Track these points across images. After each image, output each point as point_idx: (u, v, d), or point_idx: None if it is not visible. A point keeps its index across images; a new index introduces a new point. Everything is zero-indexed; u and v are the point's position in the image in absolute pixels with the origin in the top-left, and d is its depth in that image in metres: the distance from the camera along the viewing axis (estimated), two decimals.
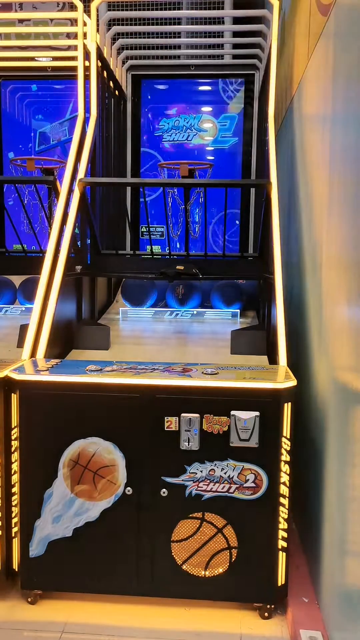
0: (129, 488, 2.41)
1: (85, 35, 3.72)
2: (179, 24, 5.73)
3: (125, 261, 3.94)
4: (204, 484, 2.37)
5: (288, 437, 2.35)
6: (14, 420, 2.47)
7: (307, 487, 2.70)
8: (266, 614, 2.45)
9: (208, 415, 2.34)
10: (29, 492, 2.45)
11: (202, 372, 2.45)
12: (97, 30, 3.80)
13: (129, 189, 5.08)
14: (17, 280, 4.03)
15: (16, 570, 2.54)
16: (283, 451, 2.35)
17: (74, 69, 3.78)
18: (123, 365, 2.57)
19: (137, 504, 2.41)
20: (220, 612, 2.48)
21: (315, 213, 2.78)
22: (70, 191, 3.42)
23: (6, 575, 2.54)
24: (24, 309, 3.82)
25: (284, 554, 2.39)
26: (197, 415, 2.34)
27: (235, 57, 5.28)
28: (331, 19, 2.43)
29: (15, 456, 2.47)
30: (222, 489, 2.37)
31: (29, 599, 2.51)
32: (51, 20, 5.61)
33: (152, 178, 5.29)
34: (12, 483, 2.48)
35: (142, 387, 2.37)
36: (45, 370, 2.47)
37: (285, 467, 2.35)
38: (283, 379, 2.41)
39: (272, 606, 2.46)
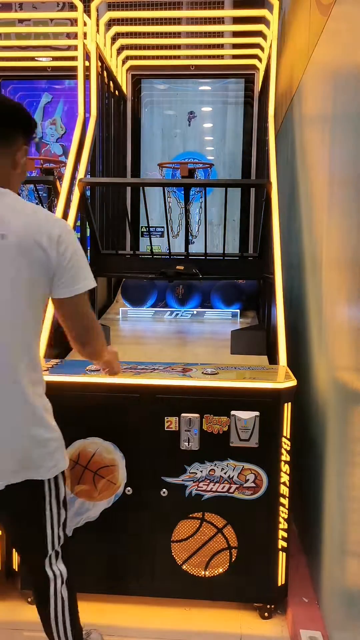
0: (129, 488, 2.41)
1: (85, 35, 3.72)
2: (179, 24, 5.73)
3: (125, 261, 3.94)
4: (203, 484, 2.37)
5: (288, 437, 2.35)
6: None
7: (307, 487, 2.70)
8: (266, 614, 2.44)
9: (208, 415, 2.34)
10: None
11: (202, 372, 2.45)
12: (97, 30, 3.80)
13: (129, 189, 5.09)
14: None
15: (16, 570, 2.54)
16: (283, 451, 2.35)
17: (74, 69, 3.78)
18: (123, 365, 2.56)
19: (137, 504, 2.41)
20: (220, 612, 2.48)
21: (315, 213, 2.78)
22: (70, 191, 3.42)
23: (6, 575, 2.54)
24: None
25: (284, 554, 2.39)
26: (197, 415, 2.34)
27: (235, 57, 5.28)
28: (331, 19, 2.43)
29: None
30: (222, 489, 2.37)
31: (29, 599, 2.51)
32: (51, 20, 5.62)
33: (152, 178, 5.29)
34: None
35: (142, 387, 2.37)
36: (45, 370, 2.47)
37: (285, 467, 2.35)
38: (283, 379, 2.41)
39: (272, 606, 2.46)
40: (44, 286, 1.65)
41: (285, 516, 2.38)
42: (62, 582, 1.83)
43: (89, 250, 3.73)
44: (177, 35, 5.40)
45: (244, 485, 2.36)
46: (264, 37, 4.24)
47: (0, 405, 1.62)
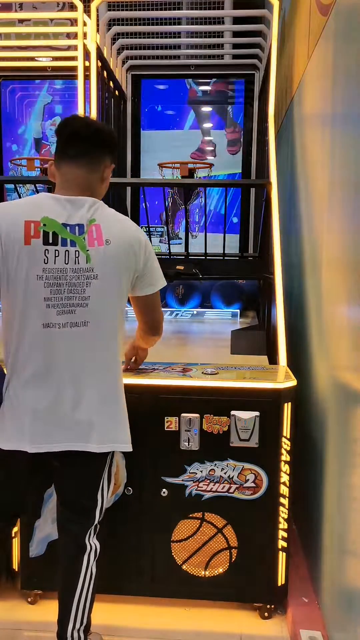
0: (129, 488, 2.41)
1: (85, 35, 3.72)
2: (179, 24, 5.74)
3: None
4: (204, 484, 2.37)
5: (288, 437, 2.35)
6: None
7: (307, 487, 2.70)
8: (266, 614, 2.44)
9: (208, 415, 2.34)
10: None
11: (202, 372, 2.45)
12: (97, 30, 3.80)
13: (128, 188, 5.08)
14: None
15: (16, 570, 2.54)
16: (283, 451, 2.35)
17: (74, 69, 3.78)
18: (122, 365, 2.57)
19: (137, 504, 2.41)
20: (220, 612, 2.48)
21: (315, 213, 2.78)
22: None
23: (6, 575, 2.54)
24: None
25: (284, 554, 2.39)
26: (197, 415, 2.34)
27: (235, 57, 5.28)
28: (331, 19, 2.43)
29: None
30: (222, 489, 2.37)
31: (29, 599, 2.51)
32: (51, 20, 5.61)
33: (152, 178, 5.29)
34: None
35: (142, 387, 2.37)
36: None
37: (285, 467, 2.35)
38: (283, 379, 2.41)
39: (272, 606, 2.45)
40: (129, 287, 1.94)
41: (285, 516, 2.38)
42: (95, 557, 1.98)
43: None
44: (177, 35, 5.40)
45: (244, 485, 2.36)
46: (264, 37, 4.24)
47: (99, 386, 1.89)
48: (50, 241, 1.79)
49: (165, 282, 2.05)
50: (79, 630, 1.97)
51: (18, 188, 4.04)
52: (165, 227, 3.88)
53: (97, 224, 1.85)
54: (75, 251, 1.81)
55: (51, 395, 1.83)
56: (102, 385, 1.89)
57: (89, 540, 1.98)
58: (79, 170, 1.89)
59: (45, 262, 1.78)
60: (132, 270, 1.90)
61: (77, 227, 1.82)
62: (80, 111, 3.67)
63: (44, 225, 1.79)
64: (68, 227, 1.81)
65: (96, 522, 2.00)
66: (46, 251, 1.78)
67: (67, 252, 1.80)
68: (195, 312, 4.10)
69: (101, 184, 1.96)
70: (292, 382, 2.39)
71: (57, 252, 1.79)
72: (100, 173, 1.94)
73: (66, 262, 1.80)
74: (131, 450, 2.00)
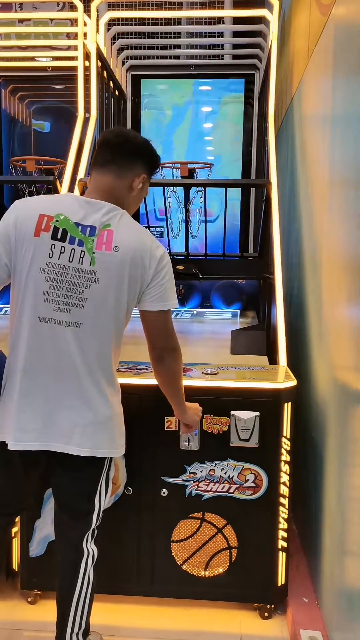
0: (129, 488, 2.41)
1: (85, 35, 3.72)
2: (179, 24, 5.73)
3: None
4: (204, 484, 2.37)
5: (288, 437, 2.35)
6: None
7: (307, 487, 2.70)
8: (266, 614, 2.44)
9: (208, 415, 2.34)
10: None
11: (202, 372, 2.45)
12: (97, 30, 3.80)
13: None
14: None
15: (16, 570, 2.54)
16: (283, 451, 2.35)
17: (74, 69, 3.78)
18: (123, 365, 2.56)
19: (137, 504, 2.41)
20: (220, 612, 2.48)
21: (315, 213, 2.78)
22: (71, 191, 3.42)
23: (6, 575, 2.54)
24: None
25: (284, 554, 2.39)
26: None
27: (235, 57, 5.28)
28: (331, 19, 2.43)
29: None
30: (222, 489, 2.37)
31: (29, 599, 2.51)
32: (51, 20, 5.61)
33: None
34: None
35: (142, 387, 2.37)
36: None
37: (285, 467, 2.35)
38: (283, 379, 2.41)
39: (272, 606, 2.46)
40: (134, 298, 1.89)
41: (285, 516, 2.38)
42: (92, 563, 1.96)
43: None
44: (177, 35, 5.40)
45: (244, 485, 2.36)
46: (264, 37, 4.24)
47: (86, 389, 1.85)
48: (59, 237, 1.80)
49: (177, 304, 1.97)
50: (77, 634, 1.95)
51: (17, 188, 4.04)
52: (165, 227, 3.88)
53: (111, 230, 1.83)
54: (81, 251, 1.81)
55: (35, 392, 1.82)
56: (90, 389, 1.85)
57: (86, 546, 1.95)
58: (104, 177, 1.90)
59: (50, 256, 1.80)
60: (137, 282, 1.85)
61: (88, 228, 1.82)
62: (80, 111, 3.68)
63: (57, 220, 1.81)
64: (80, 227, 1.82)
65: (93, 526, 1.97)
66: (52, 246, 1.80)
67: (72, 250, 1.80)
68: (195, 312, 4.10)
69: (129, 193, 1.94)
70: (292, 382, 2.39)
71: (62, 248, 1.80)
72: (129, 182, 1.92)
73: (70, 260, 1.80)
74: (113, 456, 1.95)
